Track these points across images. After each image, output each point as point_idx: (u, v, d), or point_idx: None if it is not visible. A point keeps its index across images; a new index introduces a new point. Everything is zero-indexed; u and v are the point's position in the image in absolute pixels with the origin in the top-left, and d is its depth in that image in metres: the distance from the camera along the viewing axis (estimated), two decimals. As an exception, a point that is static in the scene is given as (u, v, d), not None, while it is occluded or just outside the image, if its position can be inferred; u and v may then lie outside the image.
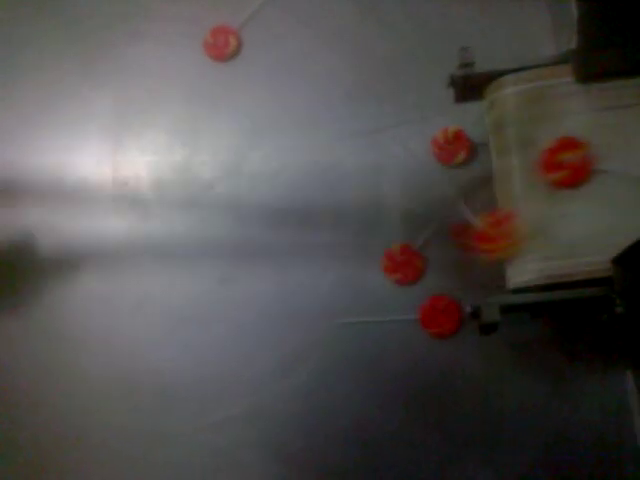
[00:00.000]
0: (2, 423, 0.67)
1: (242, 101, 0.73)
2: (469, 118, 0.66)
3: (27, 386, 0.68)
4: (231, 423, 0.64)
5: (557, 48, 0.65)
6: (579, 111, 0.53)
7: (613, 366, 0.60)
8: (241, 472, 0.63)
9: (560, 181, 0.51)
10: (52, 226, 0.72)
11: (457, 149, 0.66)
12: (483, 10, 0.71)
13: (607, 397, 0.60)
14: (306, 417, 0.63)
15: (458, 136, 0.66)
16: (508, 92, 0.55)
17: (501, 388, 0.62)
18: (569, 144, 0.52)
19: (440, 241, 0.65)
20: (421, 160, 0.68)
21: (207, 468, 0.64)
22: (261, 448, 0.63)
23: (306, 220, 0.69)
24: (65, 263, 0.70)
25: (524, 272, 0.51)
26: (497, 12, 0.71)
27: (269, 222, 0.69)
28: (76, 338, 0.68)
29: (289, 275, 0.67)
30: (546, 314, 0.55)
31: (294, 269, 0.67)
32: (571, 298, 0.49)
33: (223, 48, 0.73)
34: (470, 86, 0.57)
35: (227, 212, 0.70)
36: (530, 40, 0.69)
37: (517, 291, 0.52)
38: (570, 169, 0.51)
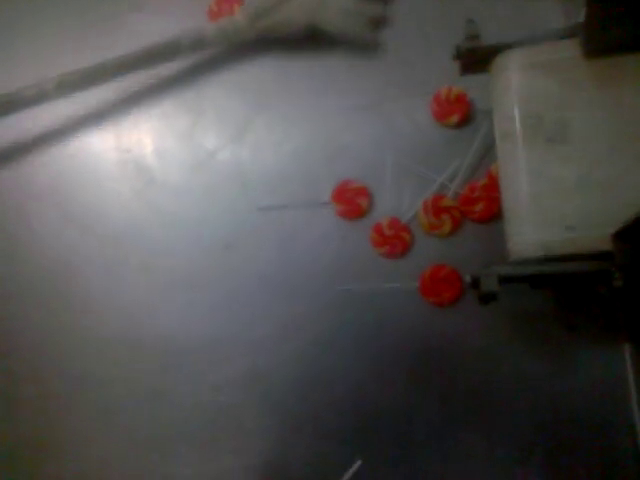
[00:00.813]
0: (4, 382, 0.68)
1: (247, 70, 0.74)
2: (475, 91, 0.66)
3: (28, 347, 0.69)
4: (230, 384, 0.65)
5: (566, 22, 0.65)
6: (585, 86, 0.53)
7: (612, 339, 0.61)
8: (240, 431, 0.64)
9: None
10: (56, 191, 0.72)
11: (454, 109, 0.67)
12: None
13: (605, 370, 0.61)
14: (305, 381, 0.64)
15: (460, 98, 0.67)
16: (514, 65, 0.55)
17: (499, 358, 0.62)
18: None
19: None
20: (425, 131, 0.69)
21: (206, 426, 0.65)
22: (260, 409, 0.64)
23: (308, 189, 0.69)
24: (69, 228, 0.71)
25: (524, 244, 0.52)
26: None
27: (272, 190, 0.70)
28: (77, 299, 0.69)
29: (292, 243, 0.68)
30: (546, 286, 0.55)
31: (297, 237, 0.68)
32: (570, 271, 0.50)
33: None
34: (476, 59, 0.57)
35: (230, 179, 0.71)
36: (538, 13, 0.69)
37: (517, 263, 0.53)
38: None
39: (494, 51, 0.56)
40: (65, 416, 0.67)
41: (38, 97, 0.68)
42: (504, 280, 0.51)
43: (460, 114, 0.67)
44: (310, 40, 0.72)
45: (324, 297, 0.66)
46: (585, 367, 0.61)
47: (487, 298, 0.52)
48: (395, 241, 0.65)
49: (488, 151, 0.65)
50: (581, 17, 0.52)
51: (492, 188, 0.63)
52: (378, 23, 0.72)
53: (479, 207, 0.64)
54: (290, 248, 0.68)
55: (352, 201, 0.67)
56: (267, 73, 0.74)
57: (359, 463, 0.61)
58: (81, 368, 0.67)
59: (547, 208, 0.51)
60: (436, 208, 0.65)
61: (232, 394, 0.65)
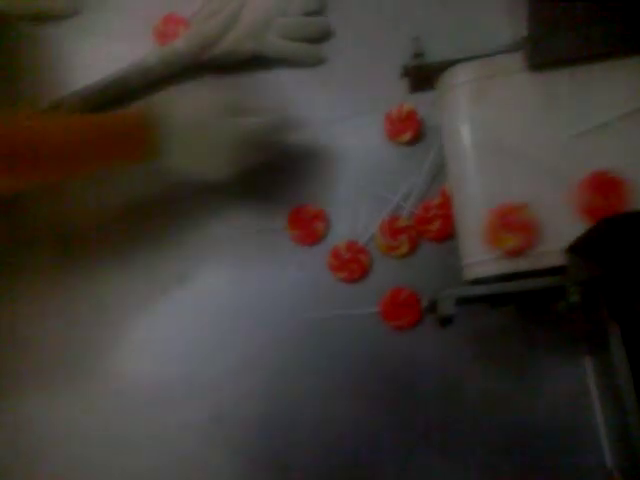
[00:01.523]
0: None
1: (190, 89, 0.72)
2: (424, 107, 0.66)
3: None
4: (197, 423, 0.63)
5: (513, 36, 0.65)
6: (529, 98, 0.52)
7: (573, 352, 0.60)
8: (209, 473, 0.62)
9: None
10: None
11: (406, 127, 0.66)
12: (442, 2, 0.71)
13: (567, 384, 0.60)
14: (270, 415, 0.62)
15: (410, 115, 0.66)
16: (460, 81, 0.54)
17: (462, 378, 0.61)
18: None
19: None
20: (378, 150, 0.68)
21: (175, 469, 0.62)
22: (227, 448, 0.62)
23: (262, 216, 0.68)
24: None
25: (479, 264, 0.51)
26: (453, 1, 0.71)
27: (225, 219, 0.68)
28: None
29: (248, 273, 0.66)
30: (504, 304, 0.55)
31: (253, 267, 0.66)
32: (527, 289, 0.49)
33: (172, 37, 0.72)
34: (423, 76, 0.56)
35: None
36: (485, 29, 0.69)
37: (475, 282, 0.52)
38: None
39: (441, 67, 0.56)
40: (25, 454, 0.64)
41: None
42: (462, 302, 0.50)
43: (412, 132, 0.66)
44: (258, 62, 0.71)
45: (285, 326, 0.64)
46: (548, 383, 0.60)
47: (445, 321, 0.51)
48: (353, 265, 0.64)
49: (442, 168, 0.64)
50: (524, 31, 0.51)
51: (447, 206, 0.62)
52: (324, 40, 0.72)
53: (435, 226, 0.63)
54: (246, 278, 0.66)
55: (308, 226, 0.66)
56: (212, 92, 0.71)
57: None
58: (38, 412, 0.65)
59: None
60: (393, 229, 0.64)
61: (198, 433, 0.63)
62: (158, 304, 0.66)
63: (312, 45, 0.71)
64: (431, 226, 0.64)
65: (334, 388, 0.62)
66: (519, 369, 0.61)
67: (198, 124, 0.59)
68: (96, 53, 0.74)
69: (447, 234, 0.63)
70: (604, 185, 0.49)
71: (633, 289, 0.51)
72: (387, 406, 0.61)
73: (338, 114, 0.69)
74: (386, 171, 0.67)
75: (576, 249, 0.47)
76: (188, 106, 0.61)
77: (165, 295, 0.66)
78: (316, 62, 0.71)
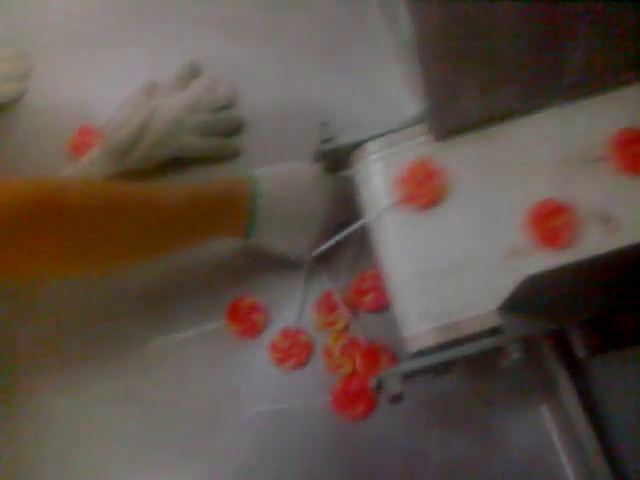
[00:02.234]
0: None
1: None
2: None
3: None
4: None
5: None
6: (443, 167, 0.54)
7: (529, 403, 0.60)
8: None
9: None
10: None
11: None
12: (346, 79, 0.74)
13: (530, 436, 0.59)
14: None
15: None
16: (372, 158, 0.55)
17: (427, 449, 0.60)
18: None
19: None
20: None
21: None
22: None
23: (198, 312, 0.66)
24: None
25: (416, 335, 0.51)
26: (360, 79, 0.74)
27: (164, 329, 0.66)
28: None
29: (191, 374, 0.64)
30: (450, 372, 0.54)
31: (195, 366, 0.64)
32: (468, 354, 0.49)
33: (87, 149, 0.72)
34: (337, 157, 0.57)
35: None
36: (396, 103, 0.71)
37: (417, 354, 0.51)
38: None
39: (353, 147, 0.57)
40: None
41: None
42: (408, 376, 0.50)
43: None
44: (177, 161, 0.71)
45: (235, 424, 0.62)
46: (511, 438, 0.59)
47: (395, 399, 0.50)
48: (298, 350, 0.63)
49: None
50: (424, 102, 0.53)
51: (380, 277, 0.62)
52: (238, 132, 0.73)
53: (369, 298, 0.63)
54: (191, 379, 0.64)
55: (247, 318, 0.65)
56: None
57: None
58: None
59: (430, 296, 0.51)
60: (328, 305, 0.64)
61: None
62: (104, 423, 0.63)
63: (226, 139, 0.72)
64: (366, 298, 0.64)
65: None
66: (480, 430, 0.60)
67: (294, 201, 0.60)
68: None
69: (382, 305, 0.63)
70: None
71: (571, 336, 0.51)
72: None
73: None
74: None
75: (507, 308, 0.47)
76: (285, 180, 0.61)
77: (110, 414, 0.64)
78: (232, 155, 0.72)
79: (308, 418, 0.61)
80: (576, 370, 0.55)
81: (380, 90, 0.72)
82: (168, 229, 0.56)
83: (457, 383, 0.61)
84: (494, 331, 0.49)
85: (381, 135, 0.56)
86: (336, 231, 0.59)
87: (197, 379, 0.64)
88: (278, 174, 0.61)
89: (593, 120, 0.53)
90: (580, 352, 0.50)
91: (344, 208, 0.61)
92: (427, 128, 0.54)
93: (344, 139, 0.57)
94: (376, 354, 0.62)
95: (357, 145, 0.56)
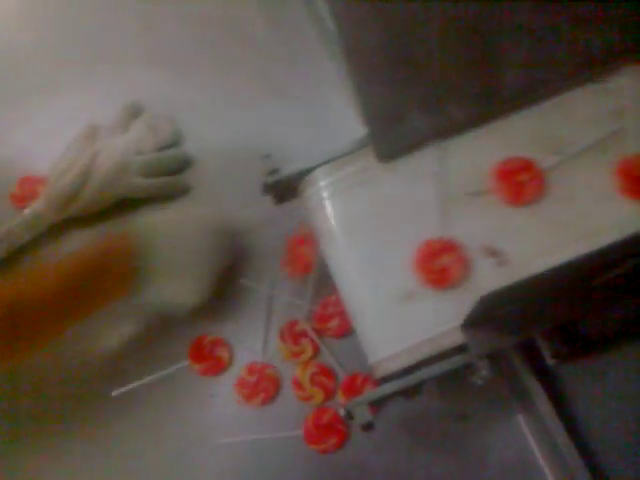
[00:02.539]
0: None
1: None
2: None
3: None
4: None
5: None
6: (391, 188, 0.53)
7: (506, 415, 0.60)
8: None
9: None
10: None
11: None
12: (291, 106, 0.74)
13: (510, 447, 0.59)
14: None
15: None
16: (321, 185, 0.55)
17: (409, 470, 0.59)
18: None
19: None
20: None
21: None
22: None
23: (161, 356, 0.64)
24: None
25: (385, 360, 0.50)
26: (306, 105, 0.74)
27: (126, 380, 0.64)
28: None
29: (166, 419, 0.63)
30: (420, 392, 0.54)
31: (165, 412, 0.63)
32: (435, 375, 0.48)
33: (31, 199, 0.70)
34: (285, 188, 0.57)
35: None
36: (344, 126, 0.70)
37: (384, 379, 0.51)
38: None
39: (300, 175, 0.56)
40: None
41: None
42: (378, 401, 0.49)
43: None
44: (125, 204, 0.70)
45: (207, 464, 0.60)
46: (491, 451, 0.59)
47: (367, 427, 0.49)
48: (265, 385, 0.62)
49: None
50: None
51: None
52: (185, 169, 0.72)
53: (334, 323, 0.63)
54: (158, 425, 0.62)
55: (211, 356, 0.63)
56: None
57: None
58: None
59: (390, 321, 0.50)
60: (293, 335, 0.63)
61: None
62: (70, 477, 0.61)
63: (174, 177, 0.71)
64: (330, 324, 0.63)
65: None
66: (459, 446, 0.59)
67: (180, 248, 0.59)
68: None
69: (347, 330, 0.62)
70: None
71: (539, 345, 0.51)
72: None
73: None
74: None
75: (469, 326, 0.47)
76: (169, 227, 0.60)
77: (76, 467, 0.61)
78: (181, 192, 0.71)
79: (284, 450, 0.60)
80: (548, 378, 0.55)
81: (327, 115, 0.72)
82: (54, 314, 0.54)
83: (431, 402, 0.60)
84: (461, 348, 0.49)
85: (328, 161, 0.55)
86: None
87: (164, 424, 0.62)
88: (161, 222, 0.61)
89: (474, 153, 0.53)
90: (549, 360, 0.50)
91: (227, 250, 0.62)
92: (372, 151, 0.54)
93: (290, 169, 0.56)
94: (354, 382, 0.61)
95: (304, 173, 0.56)
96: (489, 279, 0.49)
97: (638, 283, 0.46)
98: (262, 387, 0.62)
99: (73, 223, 0.70)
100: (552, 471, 0.57)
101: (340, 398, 0.61)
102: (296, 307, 0.65)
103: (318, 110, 0.73)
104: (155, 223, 0.60)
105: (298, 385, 0.62)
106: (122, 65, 0.80)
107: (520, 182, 0.51)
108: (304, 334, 0.63)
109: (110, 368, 0.64)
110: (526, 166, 0.51)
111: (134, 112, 0.74)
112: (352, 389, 0.61)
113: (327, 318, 0.63)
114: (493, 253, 0.50)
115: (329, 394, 0.61)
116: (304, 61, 0.77)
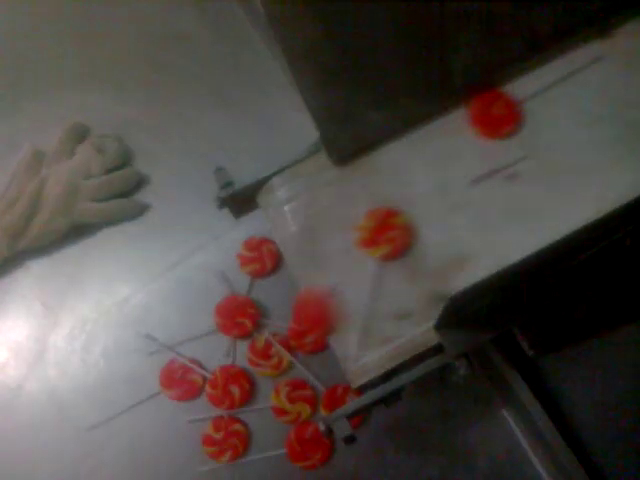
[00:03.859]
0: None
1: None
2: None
3: None
4: None
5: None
6: (350, 191, 0.51)
7: (489, 411, 0.59)
8: None
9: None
10: None
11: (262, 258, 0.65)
12: (243, 117, 0.72)
13: (497, 442, 0.58)
14: None
15: (260, 243, 0.66)
16: (278, 194, 0.53)
17: (398, 476, 0.58)
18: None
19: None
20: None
21: None
22: None
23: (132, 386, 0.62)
24: None
25: (361, 369, 0.48)
26: (258, 114, 0.72)
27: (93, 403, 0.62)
28: None
29: (137, 447, 0.61)
30: (400, 398, 0.52)
31: (141, 440, 0.61)
32: (414, 379, 0.47)
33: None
34: (242, 200, 0.55)
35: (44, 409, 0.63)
36: (298, 131, 0.68)
37: (362, 388, 0.49)
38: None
39: (256, 187, 0.54)
40: None
41: None
42: (357, 413, 0.47)
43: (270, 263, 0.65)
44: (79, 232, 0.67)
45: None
46: (479, 449, 0.58)
47: (348, 440, 0.47)
48: (232, 441, 0.59)
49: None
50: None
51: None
52: (135, 188, 0.70)
53: (310, 339, 0.61)
54: (137, 453, 0.60)
55: (183, 382, 0.61)
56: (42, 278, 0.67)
57: None
58: None
59: (364, 328, 0.48)
60: (260, 352, 0.61)
61: None
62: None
63: (127, 199, 0.68)
64: (306, 339, 0.61)
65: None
66: (446, 446, 0.58)
67: None
68: None
69: (323, 346, 0.61)
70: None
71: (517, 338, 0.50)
72: None
73: (177, 255, 0.66)
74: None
75: (443, 326, 0.46)
76: None
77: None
78: (136, 213, 0.68)
79: (269, 472, 0.59)
80: (530, 370, 0.54)
81: (281, 122, 0.70)
82: None
83: (413, 404, 0.59)
84: (437, 349, 0.47)
85: (284, 169, 0.54)
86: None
87: (142, 454, 0.60)
88: None
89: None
90: (529, 351, 0.49)
91: None
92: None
93: (245, 181, 0.54)
94: (334, 394, 0.60)
95: (260, 184, 0.54)
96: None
97: (608, 266, 0.45)
98: (229, 444, 0.59)
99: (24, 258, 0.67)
100: (542, 463, 0.56)
101: (322, 412, 0.59)
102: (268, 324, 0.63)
103: (271, 118, 0.71)
104: None
105: (280, 411, 0.60)
106: (61, 85, 0.77)
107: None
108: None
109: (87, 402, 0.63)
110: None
111: (78, 134, 0.71)
112: (334, 401, 0.59)
113: (302, 334, 0.61)
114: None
115: (313, 403, 0.60)
116: (253, 71, 0.75)
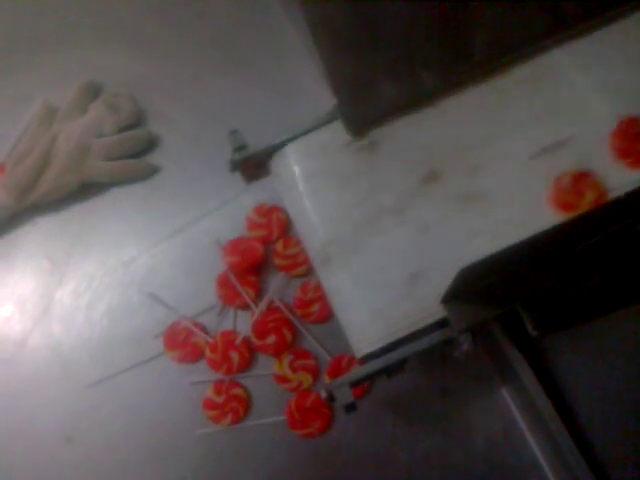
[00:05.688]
0: None
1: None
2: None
3: None
4: None
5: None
6: (360, 162, 0.51)
7: (488, 388, 0.59)
8: None
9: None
10: None
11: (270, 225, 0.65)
12: (258, 81, 0.72)
13: (494, 420, 0.58)
14: None
15: (271, 211, 0.65)
16: (291, 161, 0.53)
17: (393, 449, 0.58)
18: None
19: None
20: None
21: None
22: None
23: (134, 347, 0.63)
24: None
25: (366, 339, 0.48)
26: (273, 79, 0.72)
27: (96, 361, 0.63)
28: None
29: (139, 407, 0.61)
30: (402, 371, 0.52)
31: (142, 400, 0.61)
32: (418, 351, 0.47)
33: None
34: (254, 165, 0.54)
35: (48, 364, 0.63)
36: (314, 99, 0.68)
37: (366, 358, 0.49)
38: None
39: (269, 152, 0.54)
40: None
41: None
42: (359, 381, 0.48)
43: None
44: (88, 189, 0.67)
45: (185, 446, 0.59)
46: (475, 426, 0.58)
47: (349, 408, 0.47)
48: (233, 405, 0.59)
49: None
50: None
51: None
52: (151, 149, 0.69)
53: (315, 308, 0.61)
54: (137, 412, 0.61)
55: (186, 343, 0.61)
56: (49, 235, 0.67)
57: None
58: None
59: (371, 299, 0.48)
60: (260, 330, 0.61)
61: None
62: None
63: (138, 159, 0.68)
64: (311, 309, 0.61)
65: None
66: (443, 422, 0.59)
67: None
68: None
69: (329, 314, 0.61)
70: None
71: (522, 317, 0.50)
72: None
73: (185, 219, 0.66)
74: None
75: (450, 300, 0.46)
76: None
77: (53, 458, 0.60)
78: (147, 174, 0.68)
79: (268, 437, 0.59)
80: (532, 350, 0.54)
81: (296, 88, 0.70)
82: None
83: (414, 379, 0.60)
84: (442, 323, 0.47)
85: (298, 136, 0.53)
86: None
87: (143, 413, 0.61)
88: None
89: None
90: (532, 332, 0.49)
91: None
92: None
93: (259, 146, 0.53)
94: (339, 364, 0.60)
95: (274, 150, 0.53)
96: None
97: (621, 249, 0.45)
98: (230, 408, 0.60)
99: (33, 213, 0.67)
100: (538, 443, 0.57)
101: (326, 381, 0.60)
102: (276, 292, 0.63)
103: (286, 86, 0.70)
104: None
105: (282, 379, 0.60)
106: (76, 42, 0.77)
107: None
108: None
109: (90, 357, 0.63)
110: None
111: (91, 92, 0.71)
112: (338, 371, 0.60)
113: (308, 303, 0.62)
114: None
115: (315, 374, 0.60)
116: (270, 34, 0.74)
